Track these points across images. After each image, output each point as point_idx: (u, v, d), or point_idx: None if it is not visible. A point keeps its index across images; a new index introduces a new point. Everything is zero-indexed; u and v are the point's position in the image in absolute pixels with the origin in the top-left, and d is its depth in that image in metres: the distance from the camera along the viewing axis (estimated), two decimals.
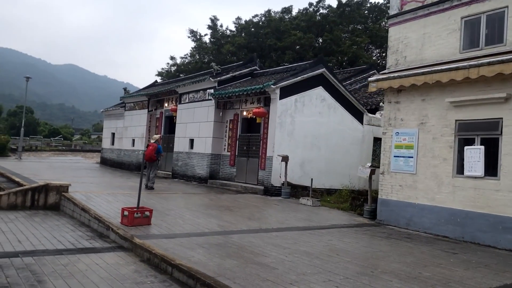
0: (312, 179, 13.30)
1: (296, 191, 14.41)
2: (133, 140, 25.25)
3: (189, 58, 46.14)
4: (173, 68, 45.88)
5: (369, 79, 10.85)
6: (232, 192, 15.17)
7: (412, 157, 9.97)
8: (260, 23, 42.38)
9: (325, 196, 14.74)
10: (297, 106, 15.27)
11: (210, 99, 18.39)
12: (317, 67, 15.66)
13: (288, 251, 6.85)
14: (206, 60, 44.51)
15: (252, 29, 42.93)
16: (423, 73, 9.45)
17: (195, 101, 19.69)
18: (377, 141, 17.48)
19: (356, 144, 16.78)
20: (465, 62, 8.85)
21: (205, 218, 9.45)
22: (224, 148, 18.37)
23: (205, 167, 18.29)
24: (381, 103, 17.53)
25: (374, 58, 39.91)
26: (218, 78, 18.35)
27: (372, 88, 10.77)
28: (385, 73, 10.72)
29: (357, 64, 35.82)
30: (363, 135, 16.94)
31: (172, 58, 47.65)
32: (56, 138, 55.72)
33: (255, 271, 5.57)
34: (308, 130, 15.49)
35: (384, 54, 42.01)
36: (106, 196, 11.57)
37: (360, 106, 16.74)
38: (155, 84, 29.47)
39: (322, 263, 6.18)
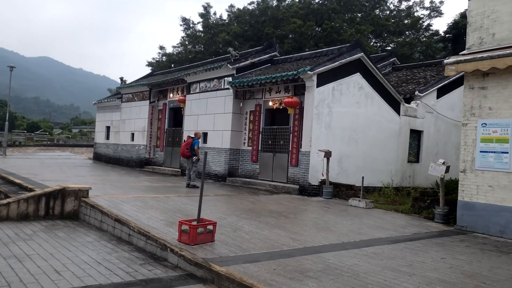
0: (363, 178, 11.73)
1: (339, 190, 12.83)
2: (133, 134, 23.19)
3: (180, 47, 43.86)
4: (164, 58, 43.50)
5: (446, 61, 9.29)
6: (263, 192, 13.47)
7: (507, 152, 8.48)
8: (257, 12, 40.40)
9: (366, 195, 13.22)
10: (335, 95, 13.64)
11: (227, 88, 16.57)
12: (354, 51, 14.05)
13: (420, 280, 5.24)
14: (198, 50, 42.43)
15: (247, 17, 40.98)
16: None
17: (207, 91, 17.82)
18: (413, 133, 16.08)
19: (393, 137, 15.29)
20: None
21: (269, 229, 7.75)
22: (244, 143, 16.62)
23: (223, 164, 16.51)
24: (416, 92, 16.08)
25: (374, 47, 38.56)
26: (237, 65, 16.53)
27: (451, 71, 9.22)
28: (465, 54, 9.18)
29: None
30: (400, 127, 15.46)
31: (161, 48, 45.34)
32: (38, 133, 52.58)
33: None
34: (345, 122, 13.90)
35: (383, 43, 40.84)
36: (134, 201, 9.71)
37: (397, 95, 15.24)
38: (153, 73, 27.36)
39: None
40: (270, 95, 15.67)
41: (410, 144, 15.98)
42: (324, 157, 12.43)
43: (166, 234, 6.85)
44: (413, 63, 21.78)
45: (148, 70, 41.66)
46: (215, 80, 17.42)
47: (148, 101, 22.15)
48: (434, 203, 10.20)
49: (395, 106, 15.23)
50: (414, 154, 16.25)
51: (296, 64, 16.05)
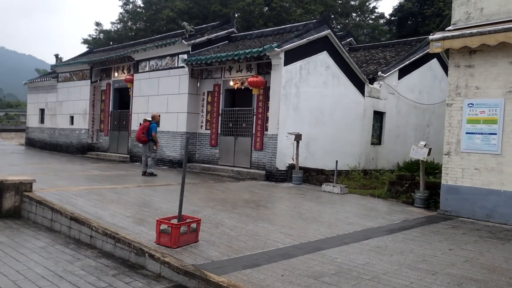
0: (337, 162, 11.14)
1: (309, 175, 12.17)
2: (72, 117, 21.10)
3: (119, 24, 40.95)
4: (101, 36, 40.46)
5: (431, 37, 8.77)
6: (228, 179, 12.52)
7: (495, 133, 8.16)
8: None
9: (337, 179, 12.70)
10: (302, 75, 12.86)
11: (182, 67, 15.24)
12: (321, 28, 13.31)
13: (449, 280, 4.61)
14: (139, 27, 39.84)
15: None
16: None
17: (159, 69, 16.36)
18: (376, 115, 15.77)
19: (359, 119, 14.86)
20: None
21: (253, 223, 6.85)
22: (202, 126, 15.47)
23: (179, 149, 15.28)
24: (379, 72, 15.73)
25: None
26: (193, 41, 15.20)
27: (436, 48, 8.72)
28: (451, 30, 8.70)
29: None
30: (365, 108, 15.05)
31: (98, 24, 42.19)
32: None
33: None
34: (312, 103, 13.20)
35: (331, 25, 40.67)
36: (88, 194, 8.36)
37: (362, 76, 14.77)
38: (92, 51, 25.06)
39: None
40: (230, 74, 14.58)
41: (373, 126, 15.67)
42: (294, 140, 11.68)
43: (138, 234, 5.73)
44: (371, 44, 21.57)
45: (84, 48, 38.67)
46: (168, 57, 15.99)
47: (89, 81, 20.15)
48: (413, 187, 9.83)
49: (360, 87, 14.78)
50: (377, 136, 15.99)
51: (258, 41, 15.06)
